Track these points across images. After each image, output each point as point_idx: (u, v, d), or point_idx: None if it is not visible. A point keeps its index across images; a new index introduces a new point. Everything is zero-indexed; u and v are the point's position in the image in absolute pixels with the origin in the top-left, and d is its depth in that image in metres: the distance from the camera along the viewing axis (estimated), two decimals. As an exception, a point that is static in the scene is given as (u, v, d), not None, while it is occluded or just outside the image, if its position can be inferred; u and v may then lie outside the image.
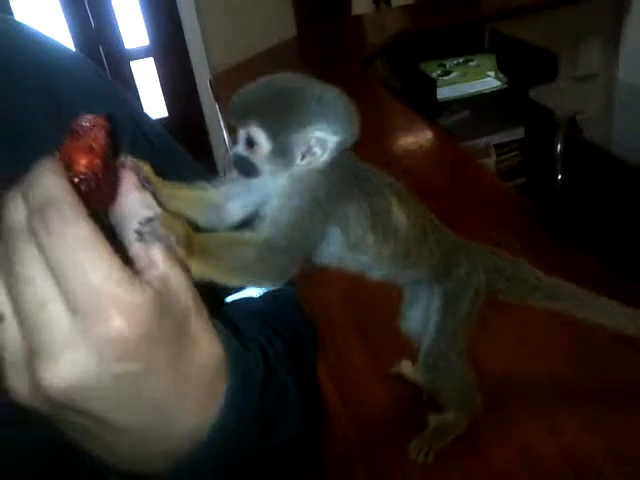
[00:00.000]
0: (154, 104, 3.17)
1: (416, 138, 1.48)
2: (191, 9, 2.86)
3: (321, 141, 0.45)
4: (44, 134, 0.42)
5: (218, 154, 3.13)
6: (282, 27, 2.65)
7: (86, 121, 0.33)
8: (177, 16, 2.90)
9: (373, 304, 0.65)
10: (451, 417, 0.68)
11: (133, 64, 3.07)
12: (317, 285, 0.99)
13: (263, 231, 0.45)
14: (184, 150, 0.54)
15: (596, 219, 1.00)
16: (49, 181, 0.29)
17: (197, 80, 2.99)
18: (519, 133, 1.79)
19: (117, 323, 0.27)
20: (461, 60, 2.10)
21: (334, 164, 0.47)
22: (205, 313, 0.33)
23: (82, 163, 0.31)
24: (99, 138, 0.32)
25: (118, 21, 2.94)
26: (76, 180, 0.31)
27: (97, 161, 0.31)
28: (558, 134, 0.99)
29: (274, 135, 0.45)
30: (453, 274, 0.61)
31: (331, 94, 0.47)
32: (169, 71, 3.08)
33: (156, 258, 0.31)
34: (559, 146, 0.99)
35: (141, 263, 0.31)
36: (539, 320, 0.83)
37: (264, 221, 0.45)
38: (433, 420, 0.69)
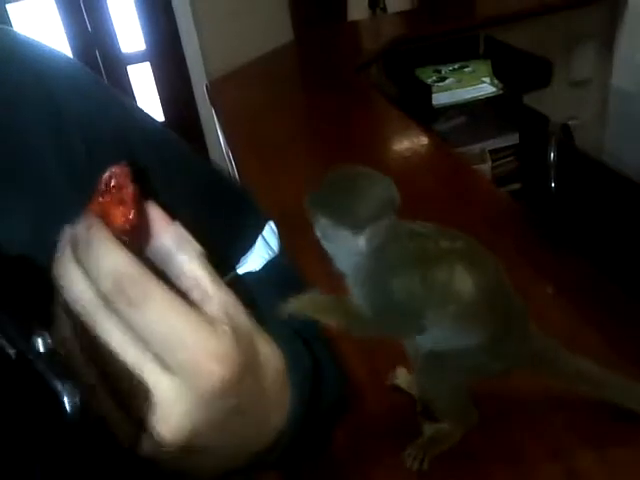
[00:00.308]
0: (150, 108, 3.17)
1: (410, 144, 1.49)
2: (188, 14, 2.87)
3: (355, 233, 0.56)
4: (44, 143, 0.43)
5: (215, 158, 3.13)
6: (279, 33, 2.65)
7: (111, 175, 0.33)
8: (174, 20, 2.90)
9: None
10: (446, 427, 0.69)
11: (130, 68, 3.08)
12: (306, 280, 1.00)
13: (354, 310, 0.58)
14: (189, 149, 0.54)
15: (588, 226, 1.01)
16: (112, 255, 0.30)
17: (194, 85, 3.00)
18: (514, 139, 1.80)
19: (218, 373, 0.30)
20: (456, 66, 2.12)
21: (384, 245, 0.56)
22: (255, 323, 0.35)
23: (119, 220, 0.32)
24: (126, 187, 0.33)
25: (114, 25, 2.94)
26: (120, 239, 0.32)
27: (131, 212, 0.32)
28: (551, 142, 1.00)
29: (322, 230, 0.58)
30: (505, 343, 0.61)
31: (376, 188, 0.58)
32: (165, 75, 3.09)
33: (207, 287, 0.33)
34: (552, 154, 1.00)
35: (194, 294, 0.33)
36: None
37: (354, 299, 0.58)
38: (428, 429, 0.70)
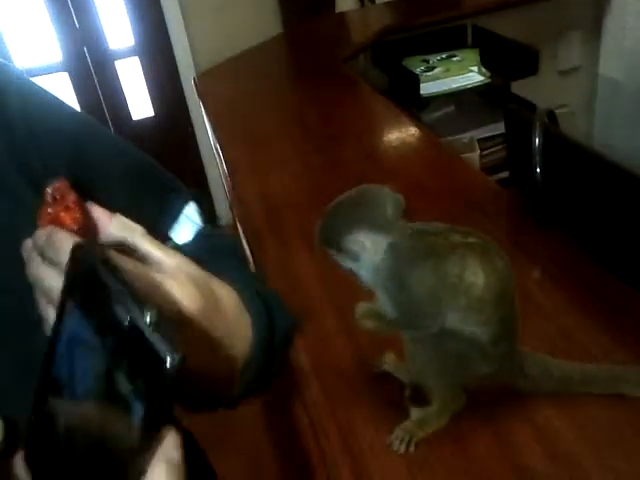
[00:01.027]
0: (140, 104, 3.16)
1: (398, 133, 1.50)
2: (176, 7, 2.86)
3: (369, 239, 0.62)
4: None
5: (204, 152, 3.13)
6: (267, 26, 2.65)
7: (54, 188, 0.41)
8: (162, 15, 2.89)
9: (355, 287, 0.66)
10: (433, 410, 0.70)
11: (118, 64, 3.07)
12: (294, 269, 1.00)
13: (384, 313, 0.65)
14: (123, 140, 0.62)
15: (575, 211, 1.02)
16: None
17: (182, 79, 2.99)
18: (503, 127, 1.80)
19: (187, 308, 0.42)
20: (444, 56, 2.12)
21: (395, 247, 0.62)
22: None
23: (68, 223, 0.40)
24: (69, 195, 0.41)
25: (102, 21, 2.93)
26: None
27: (77, 215, 0.40)
28: (536, 128, 1.00)
29: (346, 249, 0.63)
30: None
31: (376, 198, 0.64)
32: (154, 70, 3.08)
33: (158, 254, 0.43)
34: (537, 140, 1.00)
35: (149, 262, 0.42)
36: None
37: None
38: (415, 412, 0.70)
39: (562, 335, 0.79)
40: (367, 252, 0.62)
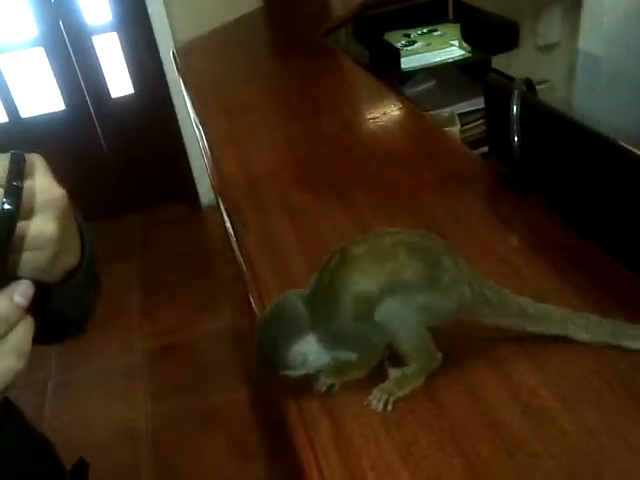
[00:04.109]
0: (119, 81, 3.11)
1: (380, 106, 1.49)
2: (154, -18, 2.81)
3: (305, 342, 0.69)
4: None
5: (185, 131, 3.10)
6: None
7: None
8: (140, -10, 2.84)
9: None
10: (410, 370, 0.70)
11: (95, 39, 3.01)
12: (275, 240, 1.01)
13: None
14: None
15: (555, 179, 1.02)
16: None
17: (162, 55, 2.95)
18: (483, 102, 1.80)
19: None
20: (425, 30, 2.11)
21: (322, 327, 0.69)
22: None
23: None
24: None
25: (78, -5, 2.87)
26: None
27: None
28: (514, 96, 1.00)
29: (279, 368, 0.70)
30: (440, 280, 0.67)
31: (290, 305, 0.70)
32: (133, 46, 3.03)
33: None
34: (515, 108, 1.00)
35: None
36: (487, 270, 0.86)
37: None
38: (393, 373, 0.71)
39: (536, 296, 0.80)
40: (311, 352, 0.68)
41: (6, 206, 0.43)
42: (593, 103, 2.23)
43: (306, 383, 0.71)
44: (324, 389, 0.71)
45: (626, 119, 1.80)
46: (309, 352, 0.68)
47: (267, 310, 0.72)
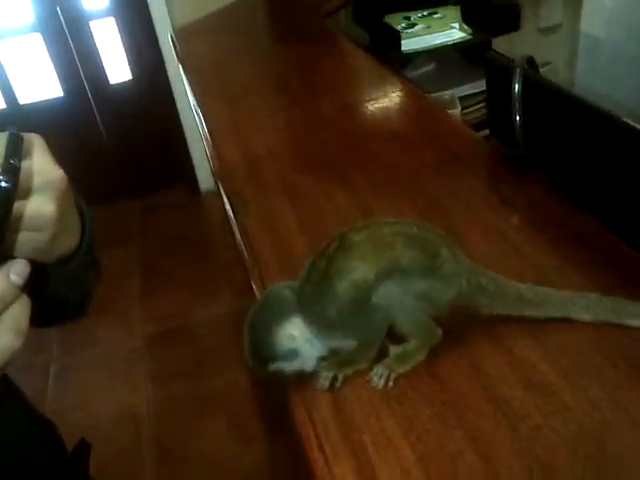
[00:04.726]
0: (117, 67, 3.09)
1: (381, 88, 1.48)
2: (151, -35, 2.78)
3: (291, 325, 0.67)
4: None
5: (184, 118, 3.08)
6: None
7: None
8: (137, -27, 2.81)
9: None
10: (411, 347, 0.70)
11: (93, 25, 2.99)
12: (276, 222, 1.00)
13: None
14: None
15: (557, 157, 1.02)
16: None
17: (160, 40, 2.93)
18: (484, 85, 1.79)
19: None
20: (426, 13, 2.09)
21: (310, 312, 0.68)
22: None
23: None
24: None
25: (75, -21, 2.85)
26: None
27: None
28: (516, 74, 0.99)
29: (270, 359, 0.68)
30: (440, 269, 0.67)
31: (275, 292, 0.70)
32: (131, 31, 3.00)
33: None
34: (517, 86, 0.99)
35: None
36: (488, 249, 0.86)
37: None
38: (393, 349, 0.71)
39: (538, 275, 0.80)
40: (300, 338, 0.67)
41: (3, 184, 0.43)
42: (595, 85, 2.21)
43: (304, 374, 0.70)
44: (327, 384, 0.69)
45: (629, 100, 1.79)
46: (298, 337, 0.67)
47: (253, 308, 0.70)
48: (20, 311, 0.46)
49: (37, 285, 0.50)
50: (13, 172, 0.44)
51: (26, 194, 0.47)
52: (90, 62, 3.03)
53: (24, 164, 0.46)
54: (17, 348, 0.46)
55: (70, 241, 0.57)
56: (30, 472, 0.69)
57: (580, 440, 0.59)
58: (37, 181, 0.47)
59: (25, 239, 0.48)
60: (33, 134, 0.50)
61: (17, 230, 0.47)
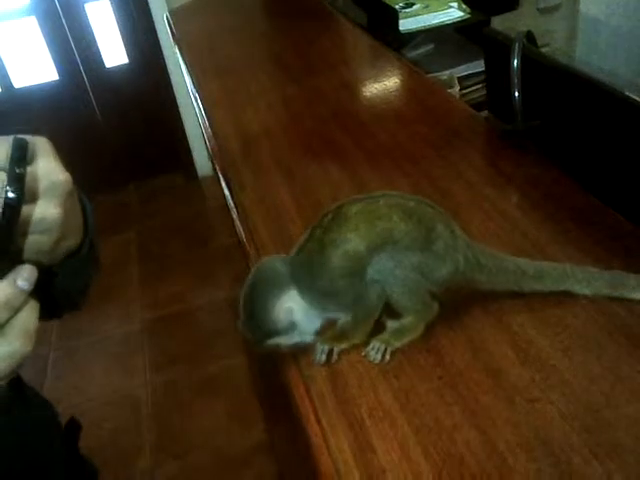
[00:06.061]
0: (113, 50, 3.06)
1: (375, 64, 1.47)
2: (146, -54, 2.75)
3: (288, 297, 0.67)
4: None
5: (180, 98, 3.06)
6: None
7: None
8: (132, -46, 2.78)
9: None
10: (408, 321, 0.70)
11: (88, 7, 2.96)
12: (271, 198, 0.99)
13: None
14: None
15: (556, 133, 1.01)
16: None
17: (156, 22, 2.90)
18: (482, 65, 1.77)
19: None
20: (424, -8, 2.06)
21: (304, 284, 0.68)
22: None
23: None
24: None
25: (69, -39, 2.81)
26: None
27: None
28: (514, 49, 0.98)
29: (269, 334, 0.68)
30: (434, 243, 0.66)
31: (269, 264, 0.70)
32: (126, 13, 2.97)
33: None
34: (515, 61, 0.98)
35: None
36: (486, 224, 0.85)
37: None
38: (391, 324, 0.71)
39: (538, 250, 0.79)
40: (297, 311, 0.66)
41: (10, 194, 0.43)
42: (594, 65, 2.19)
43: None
44: (324, 358, 0.69)
45: (627, 75, 1.77)
46: (295, 309, 0.66)
47: (246, 284, 0.69)
48: (29, 316, 0.46)
49: (41, 285, 0.49)
50: (19, 180, 0.44)
51: (32, 198, 0.47)
52: (85, 45, 3.00)
53: (29, 169, 0.46)
54: (27, 352, 0.46)
55: (73, 241, 0.57)
56: (29, 455, 0.69)
57: (577, 412, 0.59)
58: (43, 185, 0.48)
59: (30, 242, 0.48)
60: (40, 137, 0.50)
61: (24, 234, 0.47)
